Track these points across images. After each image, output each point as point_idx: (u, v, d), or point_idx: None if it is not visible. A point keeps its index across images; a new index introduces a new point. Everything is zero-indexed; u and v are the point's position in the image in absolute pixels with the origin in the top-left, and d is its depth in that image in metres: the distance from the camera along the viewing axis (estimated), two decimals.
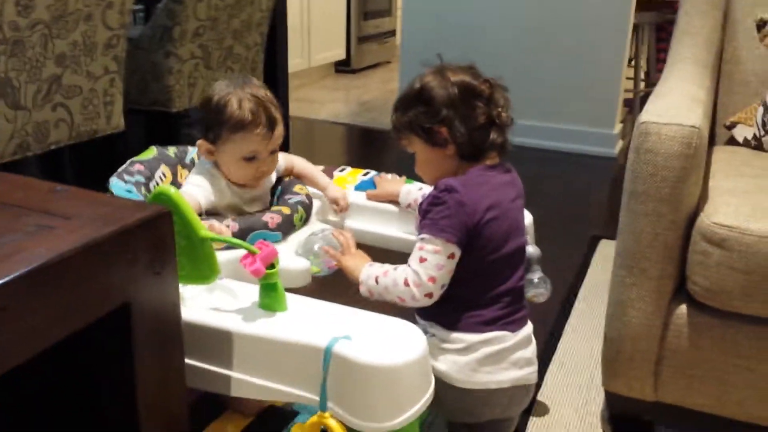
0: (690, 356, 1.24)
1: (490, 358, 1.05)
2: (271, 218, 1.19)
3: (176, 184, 1.34)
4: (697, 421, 1.36)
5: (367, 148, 3.56)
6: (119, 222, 0.66)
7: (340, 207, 1.38)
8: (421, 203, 1.09)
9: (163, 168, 1.33)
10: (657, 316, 1.24)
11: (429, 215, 1.04)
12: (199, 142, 1.25)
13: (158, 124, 2.26)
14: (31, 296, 0.57)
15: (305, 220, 1.28)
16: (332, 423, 0.88)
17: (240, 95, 1.20)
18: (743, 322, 1.19)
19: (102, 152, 1.96)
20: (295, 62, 4.31)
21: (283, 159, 1.38)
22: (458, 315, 1.06)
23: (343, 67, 5.29)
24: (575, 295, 1.94)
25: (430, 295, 1.05)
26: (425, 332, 1.08)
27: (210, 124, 1.22)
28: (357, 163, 1.58)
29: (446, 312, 1.07)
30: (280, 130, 1.24)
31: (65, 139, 1.70)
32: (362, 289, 1.11)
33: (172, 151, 1.37)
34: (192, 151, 1.39)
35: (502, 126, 1.09)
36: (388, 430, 0.88)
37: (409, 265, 1.06)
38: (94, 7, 1.64)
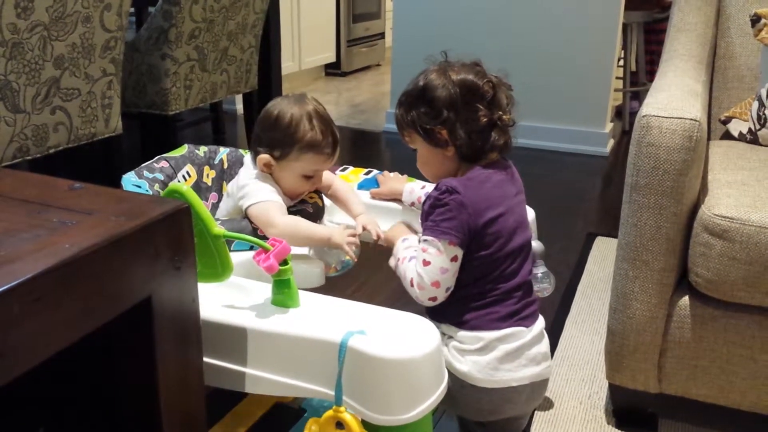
0: (693, 347, 1.26)
1: (509, 356, 1.05)
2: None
3: (200, 183, 1.34)
4: (701, 411, 1.37)
5: (362, 150, 3.56)
6: (142, 217, 0.66)
7: (376, 233, 1.24)
8: (424, 203, 1.08)
9: (189, 167, 1.32)
10: (660, 308, 1.26)
11: (431, 217, 1.04)
12: (261, 156, 1.22)
13: (154, 126, 2.25)
14: (62, 288, 0.58)
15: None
16: (348, 417, 0.88)
17: (309, 113, 1.21)
18: (745, 312, 1.21)
19: (98, 155, 1.96)
20: (285, 65, 4.28)
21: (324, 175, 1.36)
22: (473, 313, 1.06)
23: (333, 69, 5.30)
24: (574, 292, 1.95)
25: (434, 299, 1.05)
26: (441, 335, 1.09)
27: (278, 141, 1.21)
28: (353, 165, 1.58)
29: (460, 312, 1.06)
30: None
31: (64, 143, 1.69)
32: (390, 261, 1.14)
33: (202, 150, 1.37)
34: (222, 152, 1.38)
35: (504, 127, 1.09)
36: (404, 423, 0.88)
37: (414, 266, 1.06)
38: (93, 9, 1.64)
